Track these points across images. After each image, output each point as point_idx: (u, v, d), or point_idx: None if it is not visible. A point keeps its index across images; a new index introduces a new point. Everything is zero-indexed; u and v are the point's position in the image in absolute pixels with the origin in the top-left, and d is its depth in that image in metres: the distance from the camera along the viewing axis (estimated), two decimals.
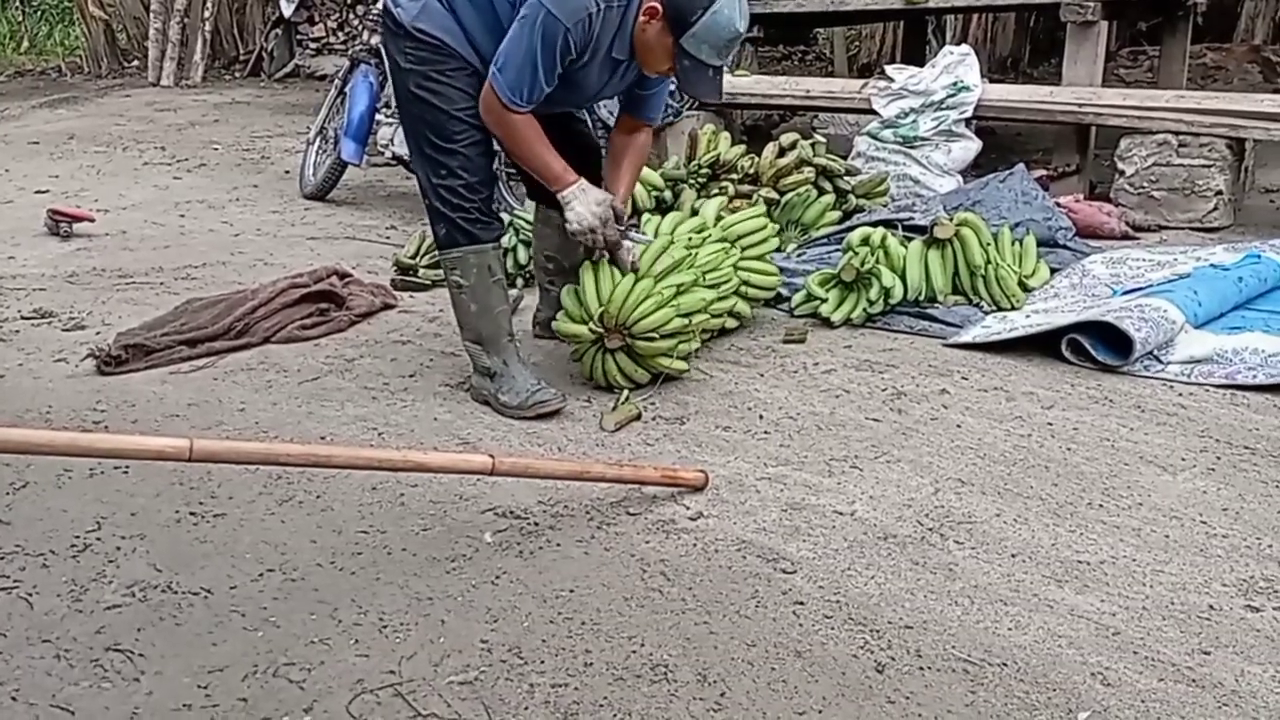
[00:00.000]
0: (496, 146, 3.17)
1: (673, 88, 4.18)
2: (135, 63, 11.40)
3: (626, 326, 3.07)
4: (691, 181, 4.47)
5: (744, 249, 3.58)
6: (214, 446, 2.09)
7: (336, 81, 5.76)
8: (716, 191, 4.35)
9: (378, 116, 5.40)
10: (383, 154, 5.49)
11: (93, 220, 5.12)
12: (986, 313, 3.73)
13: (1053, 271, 4.04)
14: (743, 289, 3.53)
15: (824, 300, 3.73)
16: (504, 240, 3.97)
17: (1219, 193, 4.80)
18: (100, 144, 7.38)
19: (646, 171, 4.19)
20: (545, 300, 3.58)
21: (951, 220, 3.87)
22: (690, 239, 3.38)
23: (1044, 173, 5.15)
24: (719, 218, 3.69)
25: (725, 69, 2.99)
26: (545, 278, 3.55)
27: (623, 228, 3.10)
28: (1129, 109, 4.99)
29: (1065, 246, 4.31)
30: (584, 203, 2.98)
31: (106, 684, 1.92)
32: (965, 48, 5.45)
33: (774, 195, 4.36)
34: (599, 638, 2.04)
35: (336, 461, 2.22)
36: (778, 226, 3.94)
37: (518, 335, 3.20)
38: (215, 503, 2.53)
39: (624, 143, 3.21)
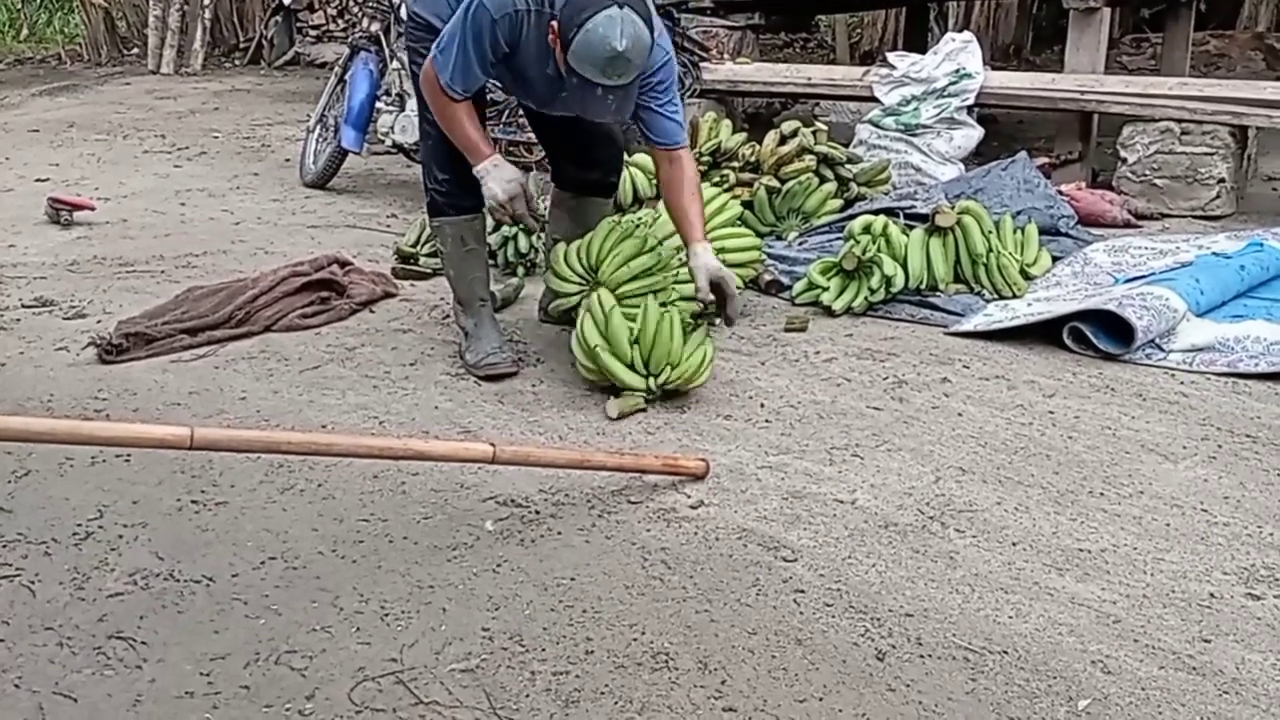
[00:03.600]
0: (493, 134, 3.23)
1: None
2: (135, 50, 11.38)
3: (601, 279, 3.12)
4: None
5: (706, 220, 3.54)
6: (215, 435, 2.10)
7: (336, 69, 5.74)
8: (718, 180, 4.34)
9: (378, 104, 5.38)
10: (383, 142, 5.48)
11: (93, 208, 5.11)
12: (988, 301, 3.73)
13: (1054, 260, 4.03)
14: (719, 256, 3.49)
15: (825, 289, 3.73)
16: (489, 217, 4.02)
17: (1221, 180, 4.79)
18: (100, 132, 7.36)
19: (647, 160, 4.17)
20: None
21: (953, 208, 3.86)
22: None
23: (1046, 160, 5.14)
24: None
25: (633, 91, 2.89)
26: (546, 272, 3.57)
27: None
28: (1132, 96, 4.98)
29: (1067, 234, 4.31)
30: (495, 179, 3.08)
31: (109, 671, 1.92)
32: (967, 35, 5.43)
33: (775, 183, 4.35)
34: (600, 626, 2.04)
35: (337, 450, 2.22)
36: (735, 198, 3.86)
37: (519, 322, 3.20)
38: (217, 491, 2.53)
39: (665, 181, 3.14)
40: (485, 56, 2.93)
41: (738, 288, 3.59)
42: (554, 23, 2.84)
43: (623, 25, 2.75)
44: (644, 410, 2.97)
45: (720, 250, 3.53)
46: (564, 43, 2.80)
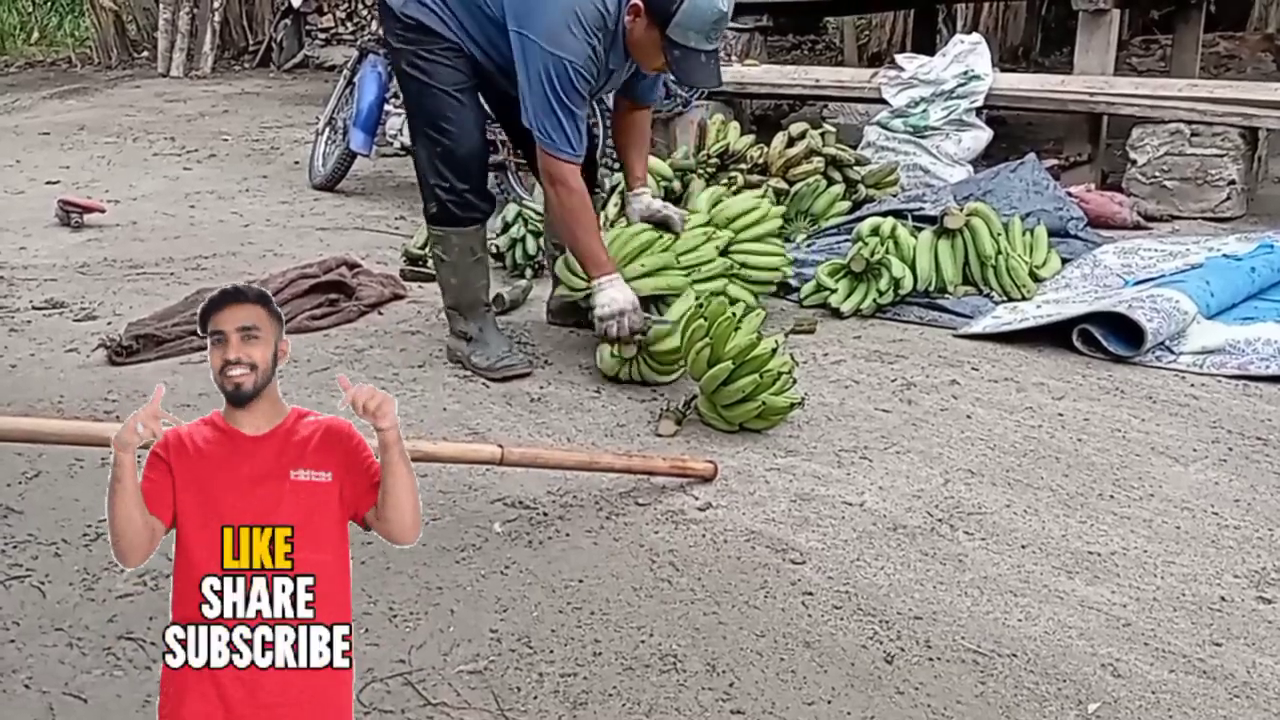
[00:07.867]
0: (490, 136, 3.25)
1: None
2: (145, 54, 11.42)
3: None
4: (700, 172, 4.46)
5: (737, 231, 3.53)
6: None
7: (345, 72, 5.76)
8: (725, 181, 4.34)
9: (386, 107, 5.39)
10: (391, 144, 5.49)
11: (103, 211, 5.13)
12: (997, 303, 3.72)
13: (1064, 262, 4.02)
14: (741, 271, 3.49)
15: (833, 291, 3.72)
16: (502, 220, 4.07)
17: (1232, 182, 4.77)
18: (110, 135, 7.39)
19: (655, 162, 4.18)
20: (557, 288, 3.60)
21: (962, 210, 3.86)
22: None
23: (1055, 162, 5.13)
24: (715, 203, 3.63)
25: (721, 53, 3.03)
26: (555, 265, 3.57)
27: (648, 316, 3.09)
28: (1141, 98, 4.97)
29: (1077, 236, 4.29)
30: (619, 289, 3.05)
31: (119, 672, 1.93)
32: (976, 36, 5.44)
33: (783, 185, 4.35)
34: (608, 627, 2.04)
35: None
36: (780, 208, 3.87)
37: (527, 324, 3.19)
38: None
39: (626, 125, 3.33)
40: (582, 101, 2.97)
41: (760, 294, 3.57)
42: (637, 3, 2.87)
43: None
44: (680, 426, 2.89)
45: (743, 264, 3.49)
46: (662, 19, 2.83)
